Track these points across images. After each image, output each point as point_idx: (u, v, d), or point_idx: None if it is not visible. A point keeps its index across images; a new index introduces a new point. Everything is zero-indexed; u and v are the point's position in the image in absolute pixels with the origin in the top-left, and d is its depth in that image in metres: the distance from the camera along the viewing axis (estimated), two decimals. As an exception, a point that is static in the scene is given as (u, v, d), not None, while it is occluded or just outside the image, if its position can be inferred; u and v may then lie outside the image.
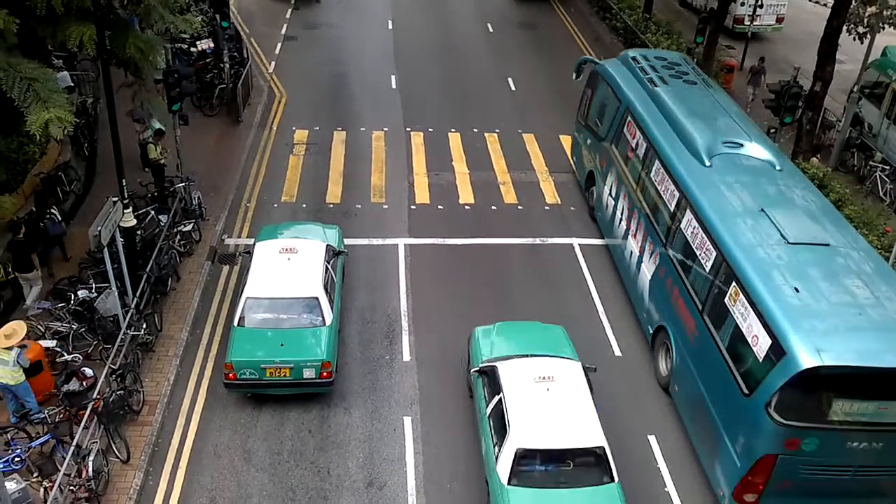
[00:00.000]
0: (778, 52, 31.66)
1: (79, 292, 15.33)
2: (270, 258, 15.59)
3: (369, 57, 30.15)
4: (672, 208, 15.55)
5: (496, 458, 12.12)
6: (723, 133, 16.39)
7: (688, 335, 14.23)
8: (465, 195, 21.61)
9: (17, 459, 12.08)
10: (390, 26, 33.56)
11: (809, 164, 20.24)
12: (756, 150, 16.01)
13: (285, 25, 32.79)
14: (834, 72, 22.15)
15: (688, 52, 26.15)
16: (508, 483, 11.75)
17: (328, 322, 14.66)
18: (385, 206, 20.90)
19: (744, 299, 12.57)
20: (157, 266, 16.41)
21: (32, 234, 16.21)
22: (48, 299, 15.68)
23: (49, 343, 14.33)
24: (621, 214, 18.18)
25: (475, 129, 25.01)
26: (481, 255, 19.05)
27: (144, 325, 15.13)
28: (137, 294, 15.41)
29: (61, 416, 12.96)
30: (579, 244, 19.69)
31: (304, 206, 20.71)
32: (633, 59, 20.24)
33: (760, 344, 11.90)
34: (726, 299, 13.05)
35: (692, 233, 14.58)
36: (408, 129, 24.87)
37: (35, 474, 12.01)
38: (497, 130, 25.02)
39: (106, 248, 14.19)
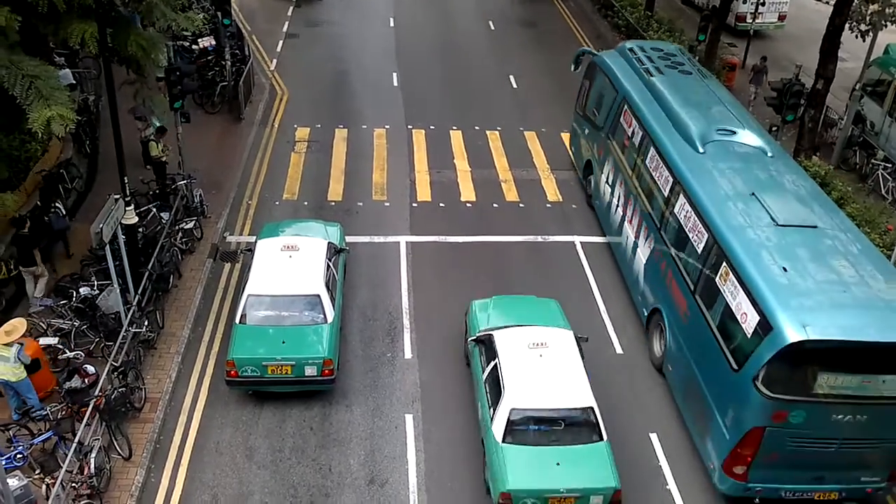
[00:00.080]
0: (780, 49, 31.62)
1: (81, 289, 15.37)
2: (272, 256, 15.61)
3: (371, 54, 30.14)
4: (666, 194, 15.97)
5: (491, 419, 12.70)
6: (716, 121, 16.87)
7: (680, 315, 14.68)
8: (467, 193, 21.62)
9: (19, 456, 12.12)
10: (392, 24, 33.54)
11: (811, 162, 20.21)
12: (748, 137, 16.46)
13: (287, 23, 32.78)
14: (836, 70, 22.09)
15: (690, 50, 26.09)
16: (503, 441, 12.36)
17: (330, 319, 14.67)
18: (386, 204, 20.90)
19: (734, 279, 13.01)
20: (159, 263, 16.43)
21: (37, 229, 16.24)
22: (50, 296, 15.70)
23: (51, 340, 14.37)
24: (617, 201, 18.63)
25: (477, 127, 25.00)
26: (483, 253, 19.05)
27: (146, 323, 15.15)
28: (139, 291, 15.43)
29: (63, 412, 12.98)
30: (581, 242, 19.69)
31: (306, 203, 20.72)
32: (630, 50, 20.69)
33: (749, 321, 12.33)
34: (717, 279, 13.52)
35: (685, 217, 15.02)
36: (409, 127, 24.86)
37: (37, 471, 12.06)
38: (498, 128, 25.02)
39: (108, 246, 14.20)
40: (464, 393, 14.82)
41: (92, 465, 12.10)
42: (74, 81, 20.71)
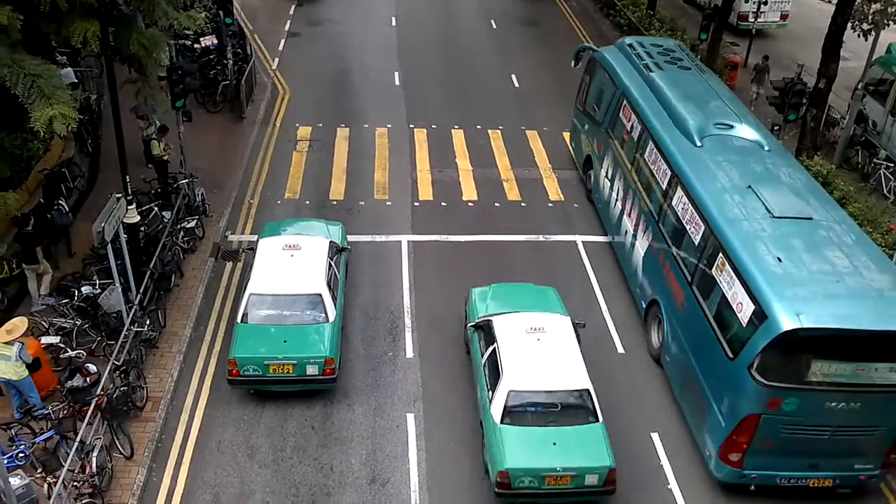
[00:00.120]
0: (782, 48, 31.58)
1: (82, 288, 15.38)
2: (274, 255, 15.61)
3: (373, 54, 30.14)
4: (664, 187, 16.20)
5: (490, 401, 13.01)
6: (714, 115, 17.07)
7: (678, 306, 14.90)
8: (469, 192, 21.61)
9: (21, 455, 12.14)
10: (394, 23, 33.54)
11: (813, 161, 20.19)
12: (745, 131, 16.65)
13: (289, 22, 32.80)
14: (838, 69, 22.07)
15: (692, 49, 26.08)
16: (501, 422, 12.63)
17: (331, 319, 14.67)
18: (388, 203, 20.90)
19: (730, 269, 13.21)
20: (161, 262, 16.43)
21: (41, 226, 16.26)
22: (52, 295, 15.71)
23: (53, 339, 14.37)
24: (617, 195, 18.88)
25: (478, 126, 24.99)
26: (484, 252, 19.05)
27: (148, 322, 15.15)
28: (141, 290, 15.42)
29: (65, 412, 12.99)
30: (582, 241, 19.69)
31: (308, 202, 20.72)
32: (630, 45, 20.93)
33: (745, 310, 12.54)
34: (713, 270, 13.73)
35: (683, 209, 15.24)
36: (411, 126, 24.86)
37: (39, 470, 12.05)
38: (500, 127, 25.01)
39: (109, 245, 14.19)
40: (465, 392, 14.81)
41: (94, 464, 12.11)
42: (76, 80, 20.73)
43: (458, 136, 24.38)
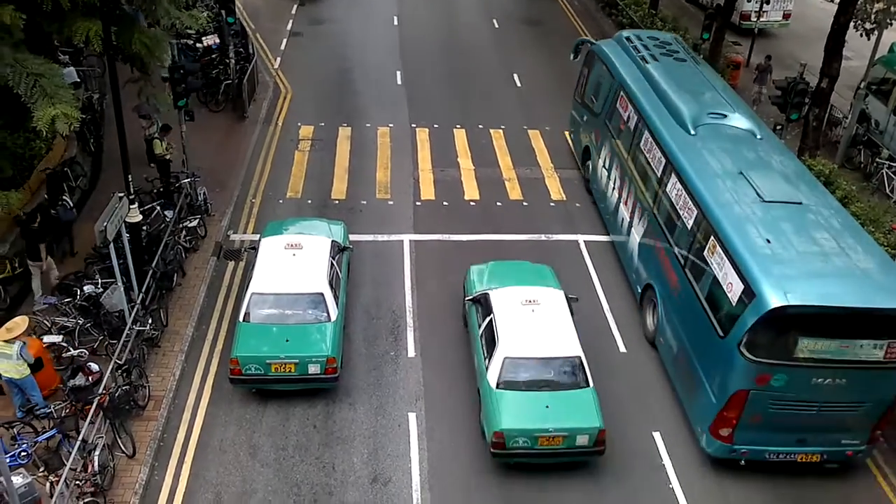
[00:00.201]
0: (784, 48, 31.55)
1: (85, 287, 15.38)
2: (276, 254, 15.62)
3: (375, 53, 30.15)
4: (660, 174, 16.67)
5: (486, 368, 13.66)
6: (708, 105, 17.59)
7: (671, 289, 15.39)
8: (471, 191, 21.61)
9: (23, 454, 12.13)
10: (395, 22, 33.54)
11: (815, 160, 20.16)
12: (738, 120, 17.16)
13: (291, 21, 32.82)
14: (840, 68, 22.04)
15: (694, 49, 26.07)
16: (497, 387, 13.30)
17: (333, 318, 14.68)
18: (390, 202, 20.90)
19: (720, 251, 13.66)
20: (163, 261, 16.44)
21: (45, 222, 16.28)
22: (54, 294, 15.73)
23: (55, 338, 14.39)
24: (614, 184, 19.39)
25: (480, 126, 25.00)
26: (486, 252, 18.97)
27: (150, 321, 15.17)
28: (143, 289, 15.43)
29: (67, 410, 13.01)
30: (584, 241, 19.69)
31: (310, 202, 20.73)
32: (627, 38, 21.49)
33: (734, 290, 12.96)
34: (705, 252, 14.16)
35: (677, 195, 15.68)
36: (413, 125, 24.86)
37: (41, 469, 12.07)
38: (502, 126, 25.01)
39: (112, 244, 14.20)
40: (467, 391, 14.81)
41: (96, 463, 12.12)
42: (79, 79, 20.74)
43: (460, 136, 24.38)
